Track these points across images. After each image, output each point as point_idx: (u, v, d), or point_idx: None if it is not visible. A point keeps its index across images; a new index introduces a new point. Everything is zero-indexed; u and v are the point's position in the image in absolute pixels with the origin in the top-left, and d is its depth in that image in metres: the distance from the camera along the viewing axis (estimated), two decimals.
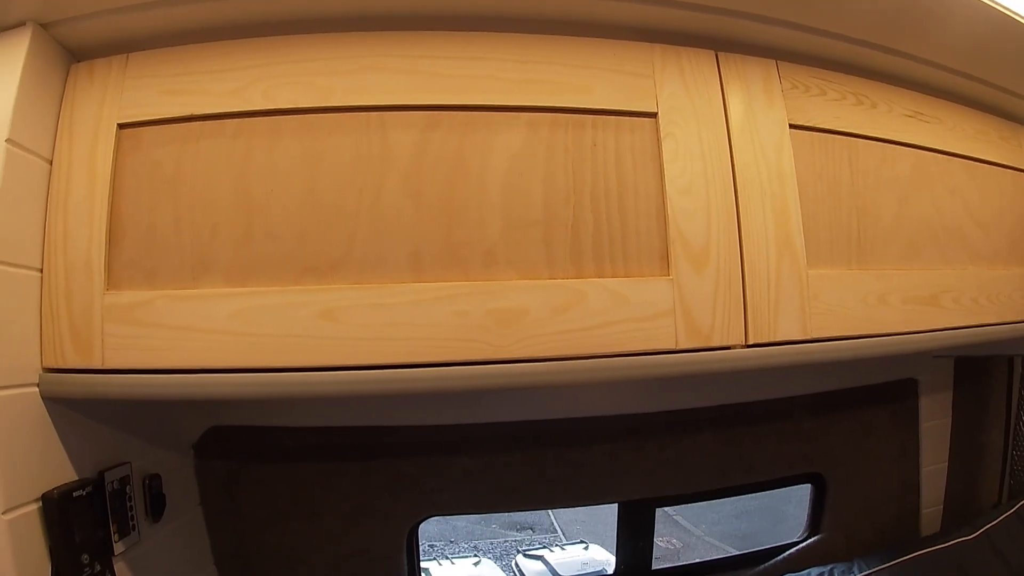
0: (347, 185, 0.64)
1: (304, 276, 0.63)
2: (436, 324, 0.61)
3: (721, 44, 0.73)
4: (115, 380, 0.64)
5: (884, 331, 0.77)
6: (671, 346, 0.65)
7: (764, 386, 1.02)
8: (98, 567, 0.70)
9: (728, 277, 0.68)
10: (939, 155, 0.88)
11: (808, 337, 0.71)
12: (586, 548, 2.02)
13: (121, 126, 0.68)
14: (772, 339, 0.69)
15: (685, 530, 3.69)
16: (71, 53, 0.73)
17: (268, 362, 0.61)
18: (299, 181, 0.64)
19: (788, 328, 0.70)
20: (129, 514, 0.77)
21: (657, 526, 1.06)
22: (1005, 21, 0.77)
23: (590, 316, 0.63)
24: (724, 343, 0.67)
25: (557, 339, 0.62)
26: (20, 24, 0.68)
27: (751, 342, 0.68)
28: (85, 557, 0.69)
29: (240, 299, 0.62)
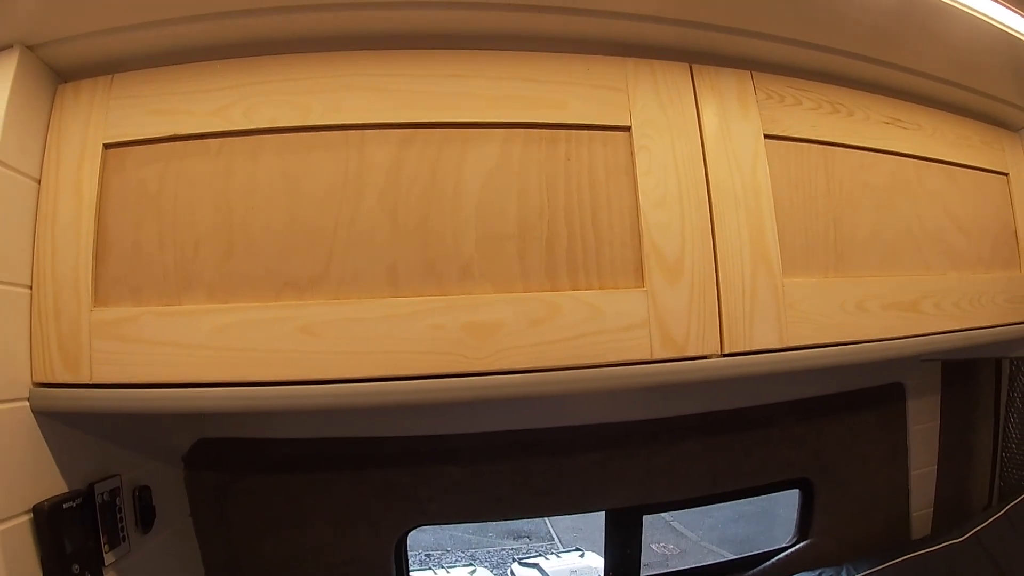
0: (325, 202, 0.66)
1: (284, 292, 0.65)
2: (413, 338, 0.63)
3: (695, 56, 0.76)
4: (103, 394, 0.66)
5: (863, 338, 0.79)
6: (646, 356, 0.67)
7: (751, 392, 1.05)
8: None
9: (703, 288, 0.70)
10: (919, 161, 0.90)
11: (784, 345, 0.74)
12: (582, 555, 2.05)
13: (107, 146, 0.71)
14: (748, 348, 0.72)
15: (682, 535, 3.70)
16: (58, 74, 0.75)
17: (251, 376, 0.63)
18: (279, 198, 0.67)
19: (764, 337, 0.73)
20: (119, 525, 0.80)
21: (654, 532, 1.08)
22: (987, 29, 0.79)
23: (565, 328, 0.66)
24: (700, 353, 0.69)
25: (533, 351, 0.65)
26: (7, 47, 0.71)
27: (727, 351, 0.71)
28: (76, 567, 0.72)
29: (222, 315, 0.65)
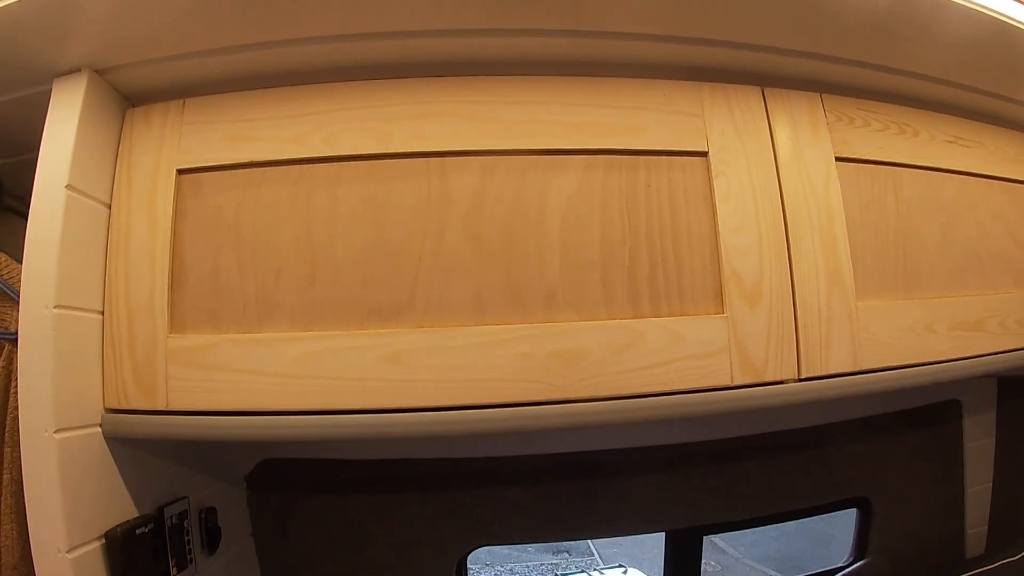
0: (409, 229, 0.67)
1: (368, 320, 0.66)
2: (499, 366, 0.64)
3: (767, 80, 0.77)
4: (181, 421, 0.67)
5: (932, 359, 0.80)
6: (727, 382, 0.68)
7: (812, 414, 1.06)
8: None
9: (780, 312, 0.71)
10: (981, 179, 0.91)
11: (859, 369, 0.75)
12: (625, 572, 2.05)
13: (181, 171, 0.72)
14: (824, 372, 0.73)
15: (723, 552, 3.70)
16: (127, 98, 0.77)
17: (335, 404, 0.65)
18: (361, 226, 0.68)
19: (839, 360, 0.74)
20: (187, 548, 0.81)
21: None
22: None
23: (648, 355, 0.67)
24: (778, 378, 0.71)
25: (618, 378, 0.66)
26: (76, 70, 0.72)
27: (804, 376, 0.72)
28: None
29: (305, 343, 0.66)
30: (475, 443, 0.94)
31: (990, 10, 0.75)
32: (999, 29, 0.77)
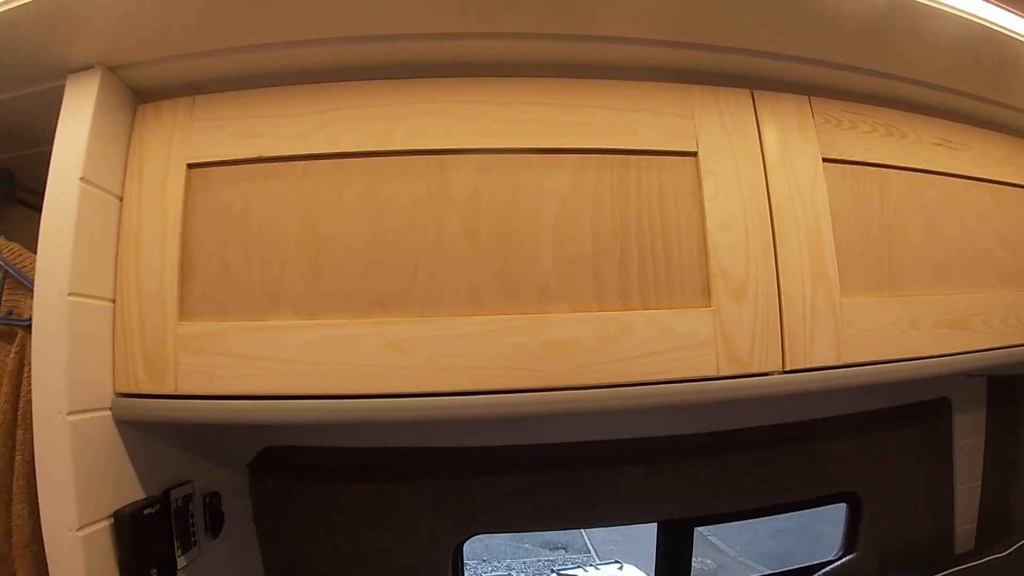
0: (409, 224, 0.73)
1: (370, 309, 0.72)
2: (494, 354, 0.70)
3: (756, 83, 0.83)
4: (189, 405, 0.73)
5: (915, 355, 0.86)
6: (713, 373, 0.74)
7: (800, 408, 1.12)
8: None
9: (766, 307, 0.77)
10: (967, 181, 0.97)
11: (842, 363, 0.80)
12: (621, 568, 2.10)
13: (191, 166, 0.78)
14: (808, 365, 0.78)
15: (720, 550, 3.78)
16: (137, 95, 0.82)
17: (338, 389, 0.70)
18: (364, 220, 0.74)
19: (823, 354, 0.79)
20: (191, 530, 0.87)
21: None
22: None
23: (637, 346, 0.72)
24: (762, 369, 0.76)
25: (606, 368, 0.71)
26: (89, 67, 0.78)
27: (788, 368, 0.77)
28: (154, 571, 0.78)
29: (310, 331, 0.72)
30: (469, 432, 1.00)
31: (978, 17, 0.80)
32: (987, 36, 0.82)
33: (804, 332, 0.79)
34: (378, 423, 0.69)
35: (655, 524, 1.14)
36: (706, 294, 0.76)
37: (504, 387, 0.70)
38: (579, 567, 2.24)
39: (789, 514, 1.31)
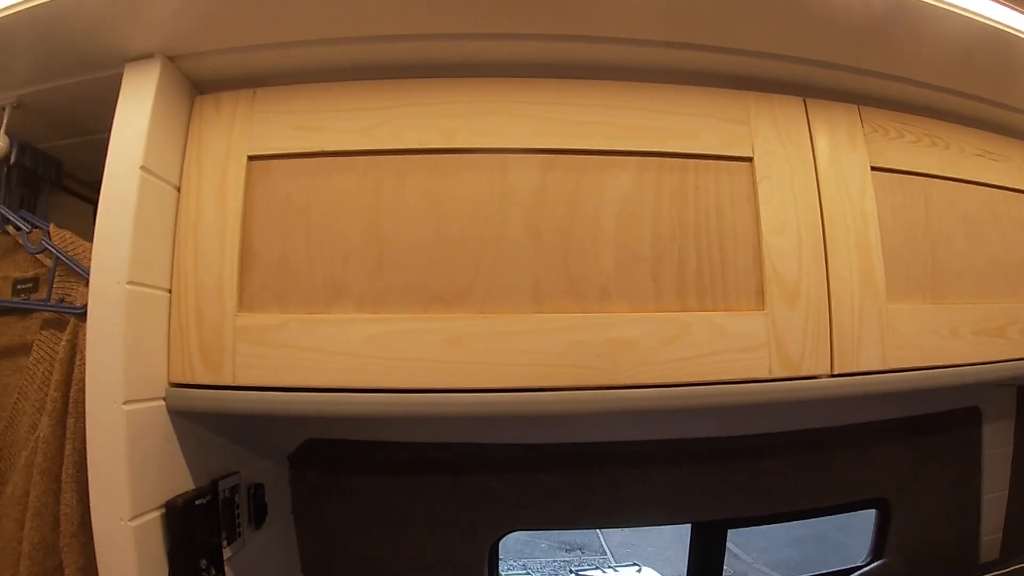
0: (471, 221, 0.75)
1: (432, 304, 0.74)
2: (556, 352, 0.71)
3: (809, 91, 0.85)
4: (248, 396, 0.74)
5: (955, 362, 0.88)
6: (765, 375, 0.76)
7: (835, 413, 1.14)
8: (214, 571, 0.80)
9: (817, 311, 0.79)
10: (1008, 192, 0.99)
11: (887, 367, 0.82)
12: (639, 571, 2.11)
13: (251, 158, 0.79)
14: (855, 369, 0.80)
15: (736, 557, 3.79)
16: (196, 86, 0.84)
17: (399, 383, 0.71)
18: (427, 216, 0.75)
19: (870, 359, 0.81)
20: (236, 521, 0.88)
21: None
22: None
23: (693, 347, 0.74)
24: (812, 373, 0.78)
25: (664, 367, 0.73)
26: (148, 56, 0.79)
27: (836, 372, 0.79)
28: (203, 562, 0.79)
29: (371, 324, 0.73)
30: (516, 429, 1.01)
31: (1014, 29, 0.82)
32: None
33: (852, 336, 0.80)
34: (440, 418, 0.70)
35: (671, 528, 1.15)
36: (760, 297, 0.77)
37: (564, 384, 0.71)
38: (597, 568, 2.25)
39: (806, 522, 1.33)
